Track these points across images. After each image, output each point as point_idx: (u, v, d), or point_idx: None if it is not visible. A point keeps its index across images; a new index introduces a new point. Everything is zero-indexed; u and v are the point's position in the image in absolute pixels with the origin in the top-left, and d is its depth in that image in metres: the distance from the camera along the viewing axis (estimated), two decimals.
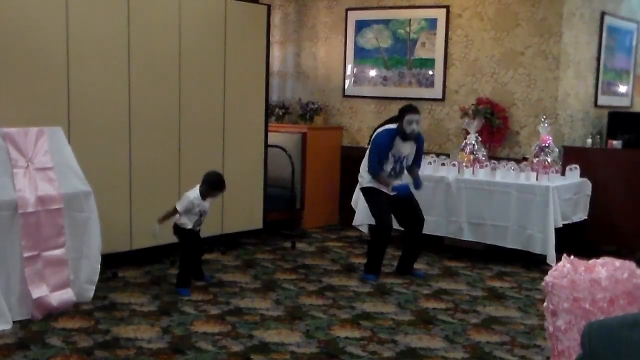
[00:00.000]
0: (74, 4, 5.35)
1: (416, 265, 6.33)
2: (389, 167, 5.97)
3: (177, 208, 5.36)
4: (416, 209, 6.07)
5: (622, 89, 8.24)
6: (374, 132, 6.09)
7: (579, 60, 7.35)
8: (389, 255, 6.75)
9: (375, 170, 5.94)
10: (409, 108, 5.95)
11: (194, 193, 5.37)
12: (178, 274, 5.47)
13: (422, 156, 6.34)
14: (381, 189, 5.96)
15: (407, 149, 5.99)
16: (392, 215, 6.02)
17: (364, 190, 6.11)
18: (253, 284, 5.69)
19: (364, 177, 6.07)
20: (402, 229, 6.18)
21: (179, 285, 5.38)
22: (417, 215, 6.07)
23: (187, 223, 5.39)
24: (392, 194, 5.94)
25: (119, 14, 5.66)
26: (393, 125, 5.94)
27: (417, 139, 6.02)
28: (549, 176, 6.47)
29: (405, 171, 6.10)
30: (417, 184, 6.04)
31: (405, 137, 5.90)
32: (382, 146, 5.91)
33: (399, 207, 6.03)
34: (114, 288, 5.39)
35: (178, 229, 5.44)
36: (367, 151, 6.05)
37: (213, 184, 5.42)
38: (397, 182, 5.99)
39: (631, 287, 2.62)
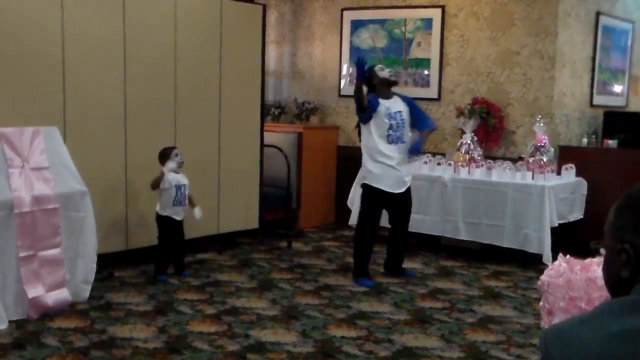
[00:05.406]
0: (69, 4, 5.34)
1: (412, 265, 6.33)
2: (386, 132, 5.62)
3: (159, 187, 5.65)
4: (409, 207, 5.92)
5: (618, 88, 8.25)
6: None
7: (574, 60, 7.37)
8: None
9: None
10: (371, 66, 5.80)
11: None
12: (155, 262, 5.75)
13: (422, 111, 6.02)
14: (380, 189, 5.65)
15: (398, 105, 5.71)
16: (382, 212, 5.84)
17: (365, 186, 5.77)
18: (249, 284, 5.69)
19: (366, 169, 5.74)
20: (389, 225, 5.98)
21: (156, 273, 5.69)
22: (408, 212, 5.92)
23: (165, 203, 5.61)
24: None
25: (115, 14, 5.65)
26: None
27: (404, 99, 5.83)
28: (545, 176, 6.48)
29: (407, 144, 5.75)
30: (414, 147, 5.70)
31: (388, 93, 5.68)
32: (371, 100, 5.57)
33: (394, 204, 5.82)
34: (110, 288, 5.39)
35: (157, 217, 5.67)
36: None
37: (159, 155, 5.65)
38: (399, 156, 5.66)
39: None
